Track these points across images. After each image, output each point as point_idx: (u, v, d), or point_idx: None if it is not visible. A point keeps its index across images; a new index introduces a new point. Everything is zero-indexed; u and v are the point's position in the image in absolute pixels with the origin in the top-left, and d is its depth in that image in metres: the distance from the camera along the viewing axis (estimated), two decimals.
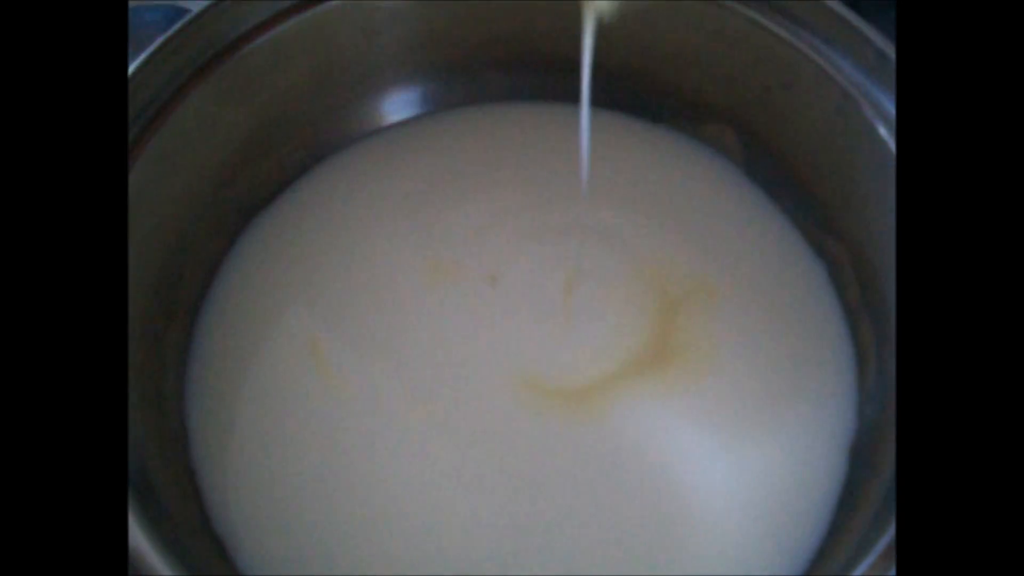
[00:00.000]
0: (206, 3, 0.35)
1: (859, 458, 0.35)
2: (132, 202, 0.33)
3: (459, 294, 0.39)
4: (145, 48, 0.34)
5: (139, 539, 0.28)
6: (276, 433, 0.36)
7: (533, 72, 0.43)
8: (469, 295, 0.39)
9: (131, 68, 0.34)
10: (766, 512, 0.35)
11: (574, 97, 0.43)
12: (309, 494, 0.35)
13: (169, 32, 0.35)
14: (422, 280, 0.39)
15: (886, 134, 0.35)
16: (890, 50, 0.34)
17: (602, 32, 0.41)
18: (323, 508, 0.35)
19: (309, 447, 0.36)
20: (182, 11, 0.37)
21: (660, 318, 0.39)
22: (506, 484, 0.35)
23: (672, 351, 0.38)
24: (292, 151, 0.41)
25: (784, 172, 0.40)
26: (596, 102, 0.43)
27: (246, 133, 0.39)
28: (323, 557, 0.34)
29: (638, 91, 0.43)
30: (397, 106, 0.43)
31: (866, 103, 0.35)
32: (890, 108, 0.35)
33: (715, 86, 0.41)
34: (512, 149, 0.43)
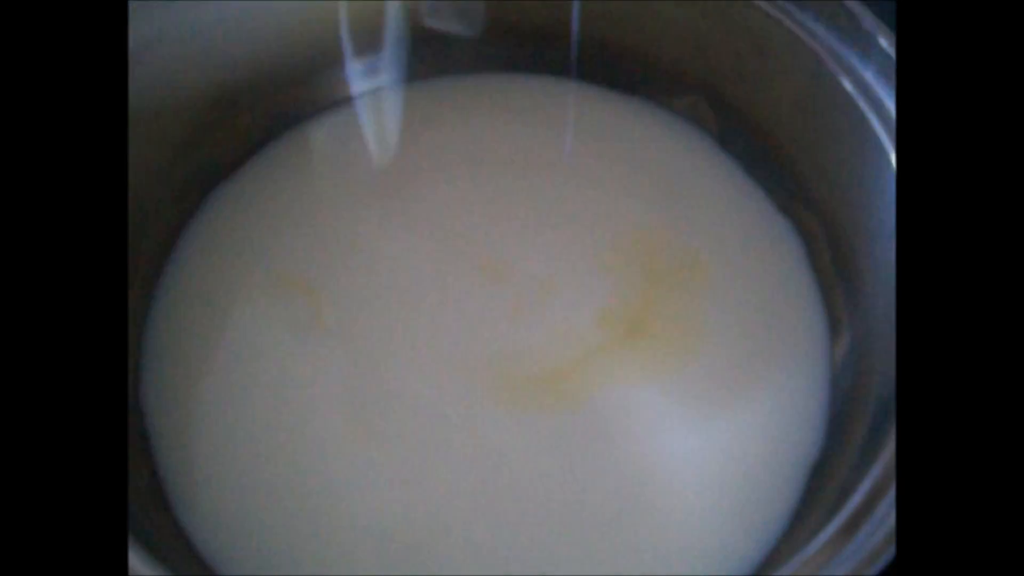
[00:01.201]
0: None
1: (832, 428, 0.35)
2: None
3: (426, 269, 0.38)
4: None
5: None
6: (238, 406, 0.35)
7: (502, 43, 0.42)
8: (436, 270, 0.38)
9: None
10: (740, 486, 0.34)
11: (546, 69, 0.43)
12: (269, 474, 0.34)
13: None
14: (390, 254, 0.38)
15: (859, 99, 0.34)
16: (863, 13, 0.34)
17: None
18: (282, 489, 0.34)
19: (273, 424, 0.35)
20: None
21: (634, 292, 0.38)
22: (475, 474, 0.34)
23: (646, 325, 0.37)
24: (257, 118, 0.40)
25: (758, 142, 0.40)
26: (571, 74, 0.43)
27: (208, 98, 0.38)
28: (283, 540, 0.33)
29: (612, 63, 0.42)
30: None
31: (838, 67, 0.35)
32: (862, 71, 0.34)
33: (688, 55, 0.40)
34: (481, 120, 0.42)
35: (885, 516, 0.27)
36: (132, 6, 0.34)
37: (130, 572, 0.26)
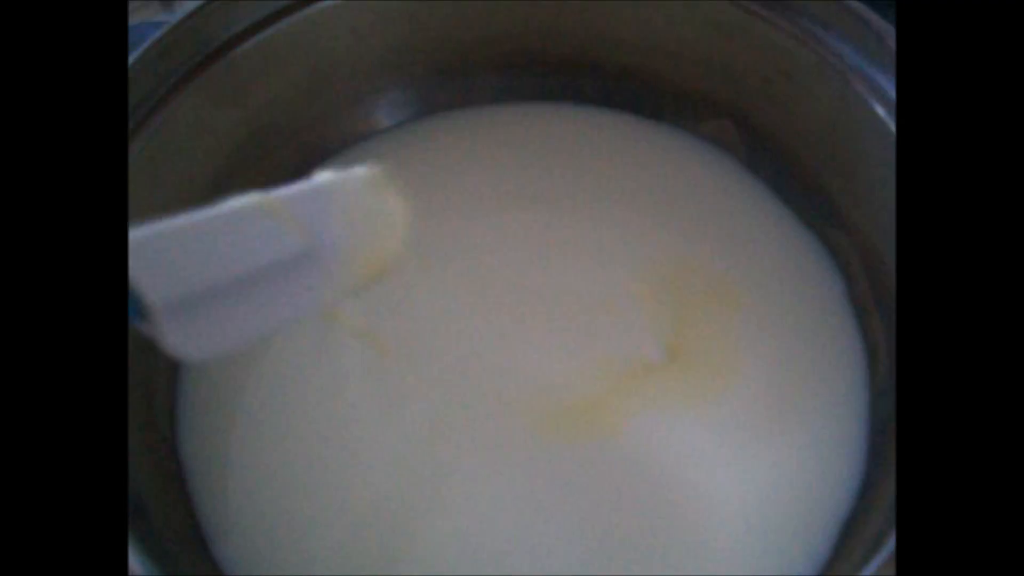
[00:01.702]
0: (195, 4, 0.35)
1: (874, 454, 0.34)
2: None
3: (458, 300, 0.38)
4: (133, 51, 0.34)
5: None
6: (274, 441, 0.35)
7: (526, 72, 0.43)
8: (469, 301, 0.38)
9: None
10: (779, 516, 0.33)
11: (571, 97, 0.43)
12: (306, 505, 0.34)
13: (157, 35, 0.34)
14: (423, 287, 0.38)
15: (888, 118, 0.34)
16: (889, 33, 0.33)
17: (600, 32, 0.41)
18: (319, 524, 0.34)
19: (310, 453, 0.35)
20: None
21: (668, 320, 0.37)
22: (516, 505, 0.34)
23: (681, 353, 0.37)
24: (285, 156, 0.41)
25: (787, 165, 0.39)
26: (597, 101, 0.43)
27: (237, 138, 0.39)
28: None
29: (638, 89, 0.42)
30: (390, 109, 0.43)
31: (867, 88, 0.34)
32: (891, 92, 0.34)
33: (715, 80, 0.40)
34: (507, 150, 0.42)
35: None
36: (160, 47, 0.35)
37: None
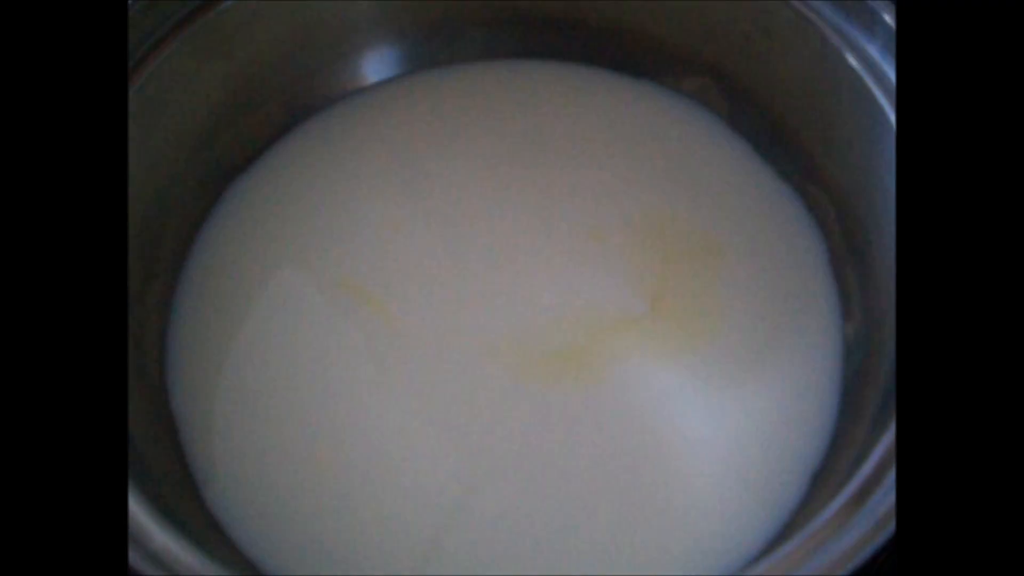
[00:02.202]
0: None
1: (845, 404, 0.35)
2: None
3: (444, 252, 0.39)
4: None
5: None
6: (262, 387, 0.36)
7: (514, 30, 0.43)
8: (455, 253, 0.39)
9: None
10: (755, 459, 0.34)
11: (555, 55, 0.44)
12: (291, 451, 0.35)
13: None
14: (409, 238, 0.39)
15: (863, 73, 0.34)
16: None
17: None
18: (303, 466, 0.35)
19: (300, 404, 0.36)
20: None
21: (650, 272, 0.38)
22: (501, 448, 0.35)
23: (663, 304, 0.38)
24: (272, 111, 0.41)
25: (768, 122, 0.40)
26: (580, 59, 0.43)
27: (225, 92, 0.39)
28: (310, 518, 0.34)
29: (620, 47, 0.42)
30: (378, 65, 0.43)
31: (843, 43, 0.35)
32: (870, 50, 0.34)
33: (696, 38, 0.40)
34: (494, 107, 0.43)
35: (893, 486, 0.27)
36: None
37: (156, 545, 0.27)
